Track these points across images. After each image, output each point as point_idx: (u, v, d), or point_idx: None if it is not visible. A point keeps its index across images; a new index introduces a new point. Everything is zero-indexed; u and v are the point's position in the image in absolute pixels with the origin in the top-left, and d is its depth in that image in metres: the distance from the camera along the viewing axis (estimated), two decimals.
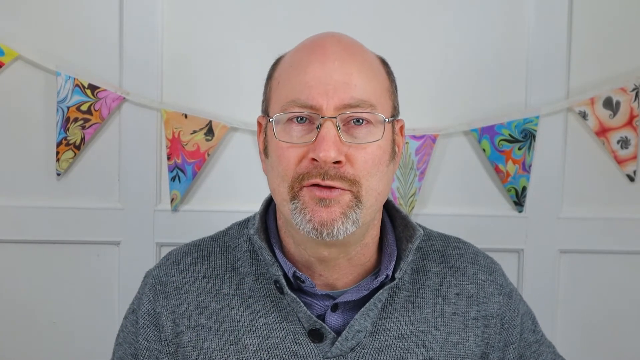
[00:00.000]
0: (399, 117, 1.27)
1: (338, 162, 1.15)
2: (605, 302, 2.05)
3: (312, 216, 1.16)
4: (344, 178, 1.16)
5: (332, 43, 1.20)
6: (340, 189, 1.16)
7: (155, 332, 1.27)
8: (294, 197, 1.17)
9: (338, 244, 1.20)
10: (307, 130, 1.17)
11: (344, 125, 1.17)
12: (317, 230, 1.16)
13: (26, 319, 2.01)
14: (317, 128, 1.16)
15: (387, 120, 1.19)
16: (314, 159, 1.15)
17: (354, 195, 1.17)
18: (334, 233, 1.16)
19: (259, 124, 1.27)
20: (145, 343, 1.28)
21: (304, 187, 1.16)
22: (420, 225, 1.33)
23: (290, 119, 1.18)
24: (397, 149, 1.25)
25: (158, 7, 1.95)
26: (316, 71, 1.17)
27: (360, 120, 1.18)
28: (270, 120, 1.20)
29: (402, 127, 1.28)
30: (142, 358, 1.28)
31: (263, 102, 1.26)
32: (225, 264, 1.29)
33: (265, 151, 1.25)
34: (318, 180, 1.15)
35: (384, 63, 1.27)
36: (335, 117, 1.15)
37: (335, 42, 1.21)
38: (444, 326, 1.28)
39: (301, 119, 1.18)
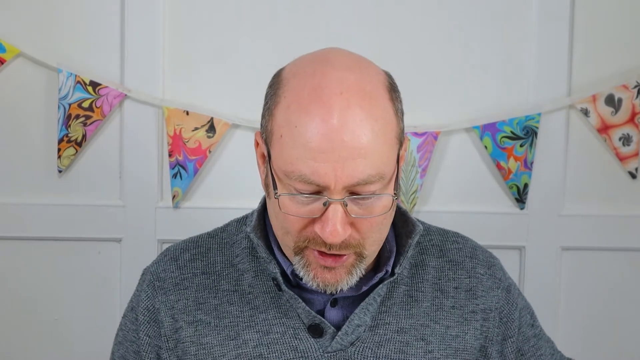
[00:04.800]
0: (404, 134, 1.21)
1: None
2: (607, 299, 2.05)
3: (315, 276, 1.17)
4: (349, 246, 1.15)
5: (336, 92, 1.10)
6: (346, 255, 1.16)
7: (155, 328, 1.27)
8: (298, 252, 1.17)
9: None
10: (314, 199, 1.13)
11: (350, 194, 1.13)
12: (320, 288, 1.17)
13: (28, 315, 2.01)
14: (324, 204, 1.12)
15: (395, 198, 1.17)
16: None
17: (357, 254, 1.17)
18: (338, 290, 1.18)
19: (256, 142, 1.22)
20: (147, 339, 1.28)
21: (308, 247, 1.16)
22: (419, 221, 1.33)
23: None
24: (399, 174, 1.20)
25: (159, 3, 1.95)
26: (322, 143, 1.09)
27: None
28: (277, 196, 1.14)
29: (405, 146, 1.22)
30: (145, 354, 1.28)
31: (262, 125, 1.19)
32: (223, 260, 1.29)
33: (265, 181, 1.20)
34: (323, 249, 1.15)
35: (390, 88, 1.16)
36: (343, 199, 1.11)
37: (338, 93, 1.10)
38: (443, 320, 1.28)
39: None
